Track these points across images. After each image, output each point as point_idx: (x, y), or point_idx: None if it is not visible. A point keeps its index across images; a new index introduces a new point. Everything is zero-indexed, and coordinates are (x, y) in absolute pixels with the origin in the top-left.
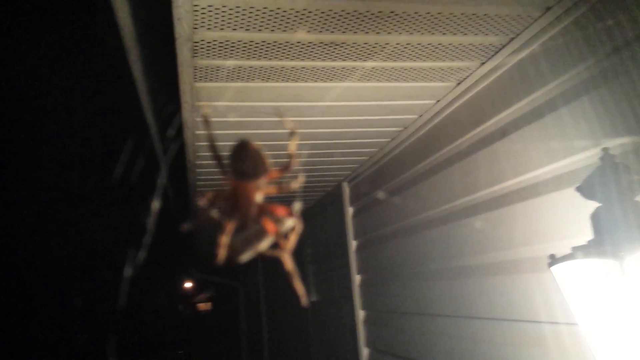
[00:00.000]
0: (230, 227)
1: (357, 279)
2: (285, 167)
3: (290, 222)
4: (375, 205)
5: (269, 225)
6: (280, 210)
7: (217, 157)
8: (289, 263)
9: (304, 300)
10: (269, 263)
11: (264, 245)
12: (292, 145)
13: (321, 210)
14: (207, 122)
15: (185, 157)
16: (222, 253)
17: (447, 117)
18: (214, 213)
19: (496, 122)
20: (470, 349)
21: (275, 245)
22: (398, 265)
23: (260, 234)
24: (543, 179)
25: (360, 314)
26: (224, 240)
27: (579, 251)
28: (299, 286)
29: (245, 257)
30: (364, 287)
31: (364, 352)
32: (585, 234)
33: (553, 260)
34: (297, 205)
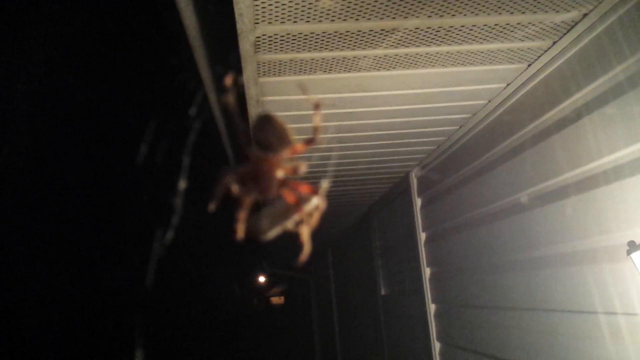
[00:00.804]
0: (248, 202)
1: (427, 271)
2: (310, 141)
3: (314, 201)
4: (444, 195)
5: (294, 203)
6: (305, 188)
7: (240, 129)
8: (306, 237)
9: (304, 255)
10: (339, 257)
11: (288, 222)
12: (317, 119)
13: (388, 202)
14: (228, 92)
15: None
16: (240, 229)
17: (518, 101)
18: (235, 188)
19: (571, 104)
20: (545, 343)
21: (297, 222)
22: (469, 257)
23: (286, 211)
24: (622, 162)
25: (432, 308)
26: (242, 215)
27: None
28: (305, 251)
29: (270, 234)
30: (435, 280)
31: (436, 346)
32: None
33: (632, 247)
34: (324, 184)
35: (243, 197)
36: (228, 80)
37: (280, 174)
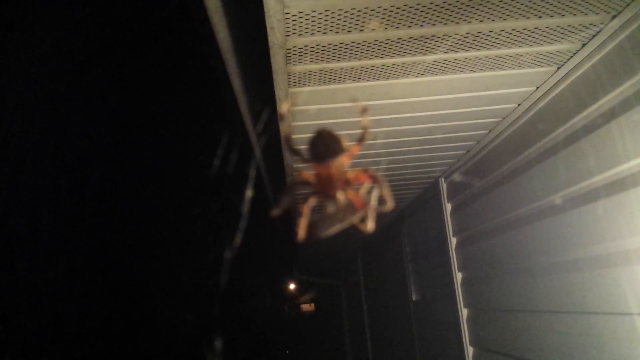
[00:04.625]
0: (307, 209)
1: (458, 276)
2: (360, 139)
3: (375, 191)
4: (474, 200)
5: (356, 198)
6: (359, 177)
7: (295, 150)
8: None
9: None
10: (370, 263)
11: (352, 218)
12: (365, 121)
13: (419, 208)
14: (283, 118)
15: (283, 164)
16: (301, 233)
17: (548, 104)
18: (305, 192)
19: (602, 106)
20: (580, 346)
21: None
22: (501, 261)
23: (346, 210)
24: None
25: (464, 312)
26: (303, 222)
27: None
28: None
29: (331, 231)
30: (466, 284)
31: (470, 350)
32: None
33: None
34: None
35: (309, 203)
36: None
37: (341, 175)
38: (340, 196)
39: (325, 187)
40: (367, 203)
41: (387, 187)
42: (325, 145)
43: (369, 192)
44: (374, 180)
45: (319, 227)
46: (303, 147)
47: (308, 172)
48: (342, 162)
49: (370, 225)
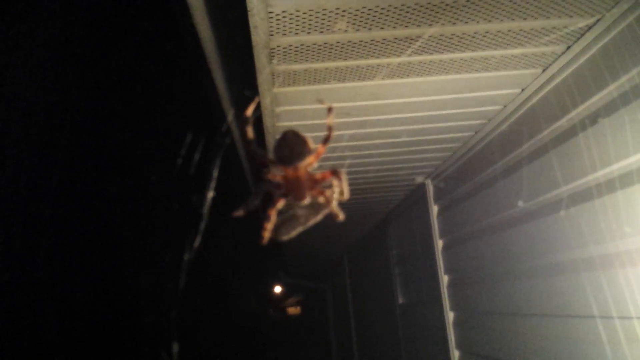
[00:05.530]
0: (273, 212)
1: (445, 279)
2: (325, 140)
3: (336, 183)
4: (461, 202)
5: (321, 195)
6: (325, 175)
7: (259, 153)
8: (336, 208)
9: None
10: (356, 266)
11: (309, 222)
12: (330, 120)
13: (405, 210)
14: (246, 121)
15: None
16: (266, 236)
17: (533, 106)
18: (271, 196)
19: (587, 108)
20: (564, 349)
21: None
22: (487, 263)
23: (312, 208)
24: (632, 168)
25: (450, 316)
26: (269, 224)
27: None
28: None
29: (292, 235)
30: (453, 287)
31: (455, 354)
32: None
33: None
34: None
35: (275, 205)
36: (249, 111)
37: (309, 176)
38: (309, 196)
39: (293, 189)
40: (330, 197)
41: (346, 178)
42: (291, 147)
43: (330, 186)
44: (334, 174)
45: (287, 228)
46: (268, 150)
47: (275, 174)
48: (309, 163)
49: (340, 216)
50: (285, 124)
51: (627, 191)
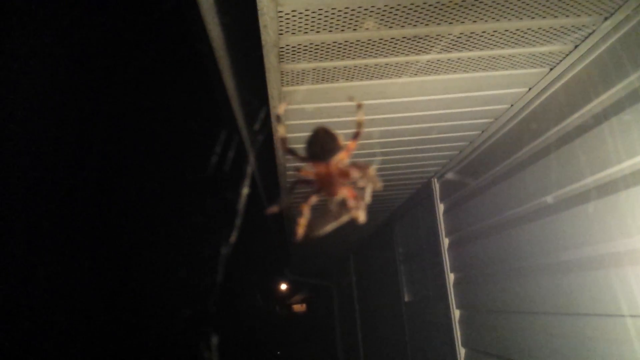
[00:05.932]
0: (307, 209)
1: (451, 277)
2: (355, 136)
3: (366, 181)
4: (467, 200)
5: (350, 193)
6: (354, 171)
7: (292, 150)
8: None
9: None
10: (362, 263)
11: (348, 213)
12: (360, 116)
13: (411, 208)
14: (279, 120)
15: (275, 163)
16: (300, 232)
17: (540, 105)
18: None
19: (594, 107)
20: (572, 347)
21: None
22: (494, 262)
23: (343, 205)
24: None
25: (456, 314)
26: (303, 221)
27: None
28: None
29: (329, 228)
30: (459, 285)
31: (462, 352)
32: None
33: None
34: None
35: (307, 201)
36: (280, 109)
37: (340, 171)
38: (341, 192)
39: (325, 185)
40: (360, 195)
41: (376, 174)
42: (323, 143)
43: (361, 184)
44: (363, 171)
45: (318, 225)
46: (298, 146)
47: (307, 170)
48: (340, 159)
49: (362, 216)
50: (295, 122)
51: (635, 189)
